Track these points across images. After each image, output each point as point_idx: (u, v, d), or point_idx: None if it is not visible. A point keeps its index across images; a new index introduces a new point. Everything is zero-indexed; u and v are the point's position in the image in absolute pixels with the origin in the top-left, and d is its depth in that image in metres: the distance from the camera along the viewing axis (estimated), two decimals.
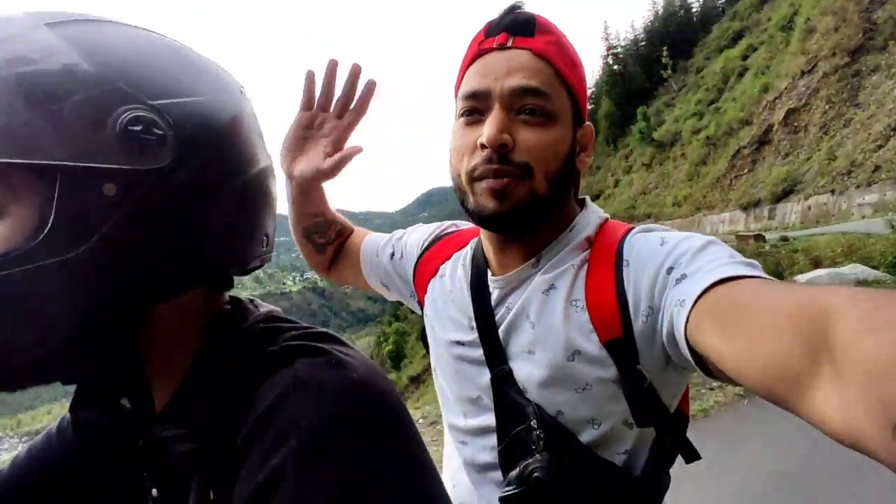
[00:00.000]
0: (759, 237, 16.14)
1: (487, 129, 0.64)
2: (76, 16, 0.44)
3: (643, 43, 67.84)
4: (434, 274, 0.86)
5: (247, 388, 0.44)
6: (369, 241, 1.00)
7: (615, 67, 65.53)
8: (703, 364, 0.53)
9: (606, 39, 68.63)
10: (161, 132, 0.42)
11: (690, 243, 0.61)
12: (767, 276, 0.52)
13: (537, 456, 0.66)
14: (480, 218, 0.68)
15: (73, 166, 0.38)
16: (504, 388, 0.70)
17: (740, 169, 30.45)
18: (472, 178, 0.67)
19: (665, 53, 55.28)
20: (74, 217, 0.39)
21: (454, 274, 0.82)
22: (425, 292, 0.87)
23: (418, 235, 0.94)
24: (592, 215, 0.74)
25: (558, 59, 0.66)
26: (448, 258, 0.85)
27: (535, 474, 0.65)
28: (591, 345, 0.65)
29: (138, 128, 0.41)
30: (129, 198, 0.40)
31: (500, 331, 0.72)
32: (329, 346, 0.46)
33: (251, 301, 0.57)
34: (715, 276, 0.52)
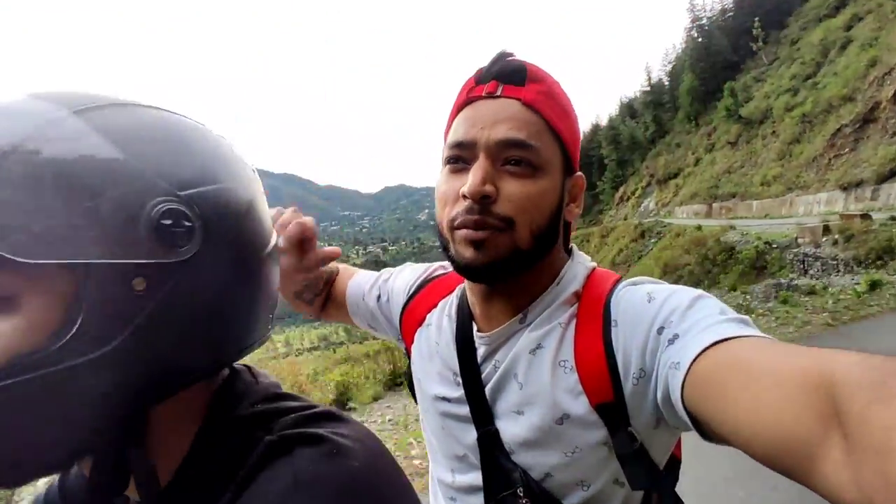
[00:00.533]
0: (865, 216, 16.09)
1: (470, 179, 0.63)
2: (103, 101, 0.43)
3: (731, 13, 64.35)
4: (420, 322, 0.85)
5: (244, 479, 0.42)
6: (355, 284, 1.00)
7: (700, 40, 62.72)
8: (701, 427, 0.52)
9: (692, 10, 65.64)
10: (190, 224, 0.41)
11: (679, 299, 0.60)
12: (762, 335, 0.52)
13: None
14: (458, 267, 0.67)
15: (105, 264, 0.37)
16: (491, 449, 0.70)
17: (840, 148, 29.18)
18: (453, 227, 0.66)
19: (756, 24, 52.46)
20: (104, 314, 0.38)
21: (440, 324, 0.81)
22: (412, 341, 0.87)
23: (405, 279, 0.93)
24: (579, 266, 0.73)
25: (548, 110, 0.65)
26: (434, 306, 0.85)
27: None
28: (581, 407, 0.64)
29: (170, 221, 0.40)
30: (158, 292, 0.40)
31: (487, 389, 0.71)
32: (328, 432, 0.45)
33: (249, 369, 0.56)
34: (710, 338, 0.52)
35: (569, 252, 0.76)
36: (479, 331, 0.74)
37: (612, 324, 0.64)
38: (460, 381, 0.74)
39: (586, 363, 0.64)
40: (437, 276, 0.90)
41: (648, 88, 74.07)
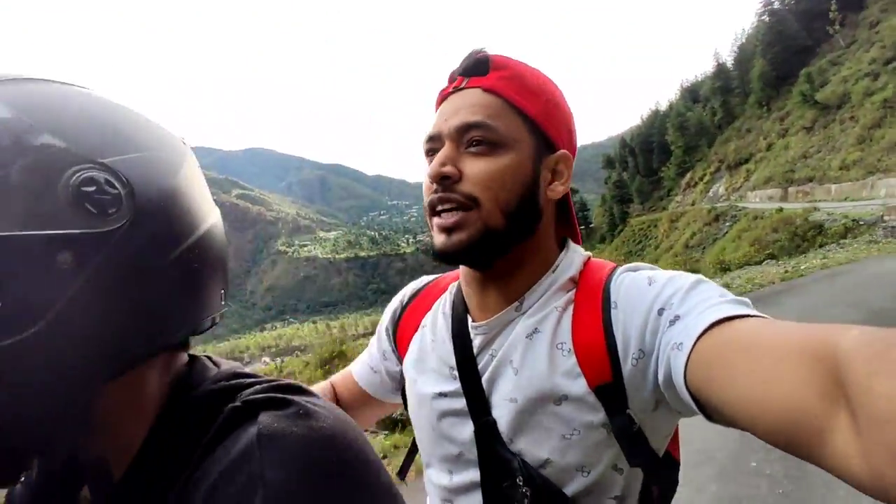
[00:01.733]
0: None
1: (432, 164, 0.66)
2: (7, 76, 0.41)
3: None
4: (415, 330, 0.85)
5: (207, 449, 0.41)
6: (361, 373, 0.96)
7: (772, 24, 62.39)
8: (704, 409, 0.52)
9: None
10: (115, 191, 0.39)
11: (679, 283, 0.61)
12: (762, 315, 0.52)
13: None
14: (435, 253, 0.68)
15: (22, 236, 0.35)
16: (489, 440, 0.69)
17: None
18: (430, 214, 0.68)
19: (833, 6, 52.18)
20: (27, 293, 0.35)
21: (435, 322, 0.81)
22: (405, 351, 0.85)
23: (390, 309, 0.92)
24: (575, 255, 0.74)
25: (510, 91, 0.67)
26: (429, 309, 0.84)
27: None
28: (580, 388, 0.64)
29: (92, 188, 0.38)
30: (86, 267, 0.37)
31: (484, 379, 0.71)
32: (296, 397, 0.43)
33: (209, 358, 0.53)
34: (711, 317, 0.52)
35: (563, 243, 0.76)
36: (474, 321, 0.74)
37: (612, 305, 0.64)
38: (457, 375, 0.73)
39: (584, 345, 0.64)
40: (425, 286, 0.90)
41: (716, 73, 73.80)
